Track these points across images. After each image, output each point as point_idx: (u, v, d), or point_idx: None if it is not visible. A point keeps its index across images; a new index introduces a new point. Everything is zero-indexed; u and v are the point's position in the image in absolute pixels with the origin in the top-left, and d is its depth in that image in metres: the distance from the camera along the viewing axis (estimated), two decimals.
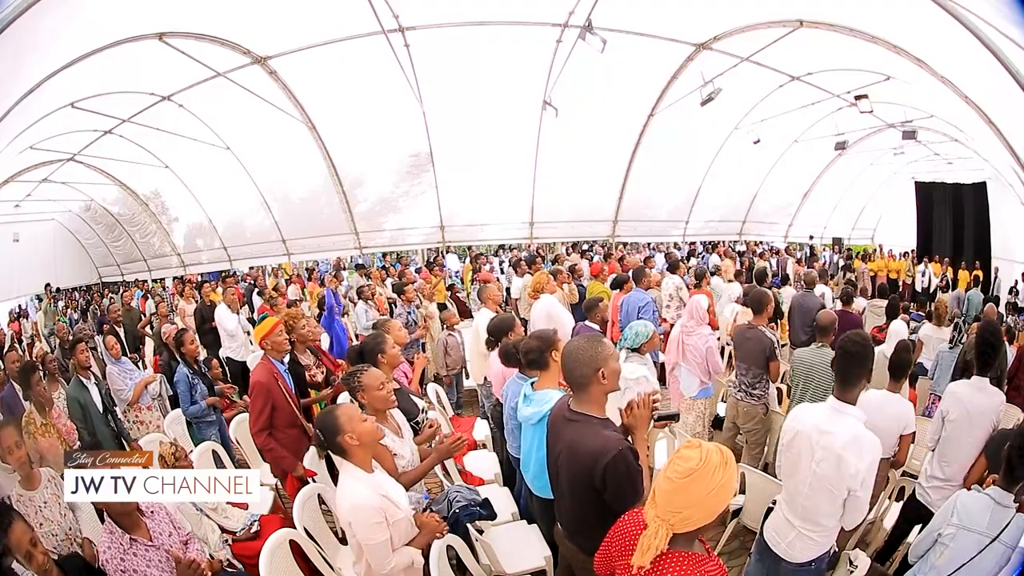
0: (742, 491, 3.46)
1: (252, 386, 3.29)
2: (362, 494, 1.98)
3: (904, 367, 3.28)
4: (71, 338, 5.39)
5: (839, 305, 5.88)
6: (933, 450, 3.01)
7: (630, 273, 6.12)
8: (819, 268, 10.02)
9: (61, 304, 11.12)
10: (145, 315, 8.65)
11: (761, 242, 13.93)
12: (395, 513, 2.04)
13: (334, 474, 3.49)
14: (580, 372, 1.95)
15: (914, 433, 3.20)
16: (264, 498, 3.75)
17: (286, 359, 3.64)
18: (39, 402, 3.76)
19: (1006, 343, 4.43)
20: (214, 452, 3.88)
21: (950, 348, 4.86)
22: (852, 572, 2.59)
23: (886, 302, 6.34)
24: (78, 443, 3.96)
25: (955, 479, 2.90)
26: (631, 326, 3.75)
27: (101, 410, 4.13)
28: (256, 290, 8.80)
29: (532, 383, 2.62)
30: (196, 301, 8.49)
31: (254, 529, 3.16)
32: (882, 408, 3.06)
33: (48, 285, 10.90)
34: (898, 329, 4.89)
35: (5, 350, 7.87)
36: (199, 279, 12.03)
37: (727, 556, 3.43)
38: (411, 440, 2.74)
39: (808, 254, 13.74)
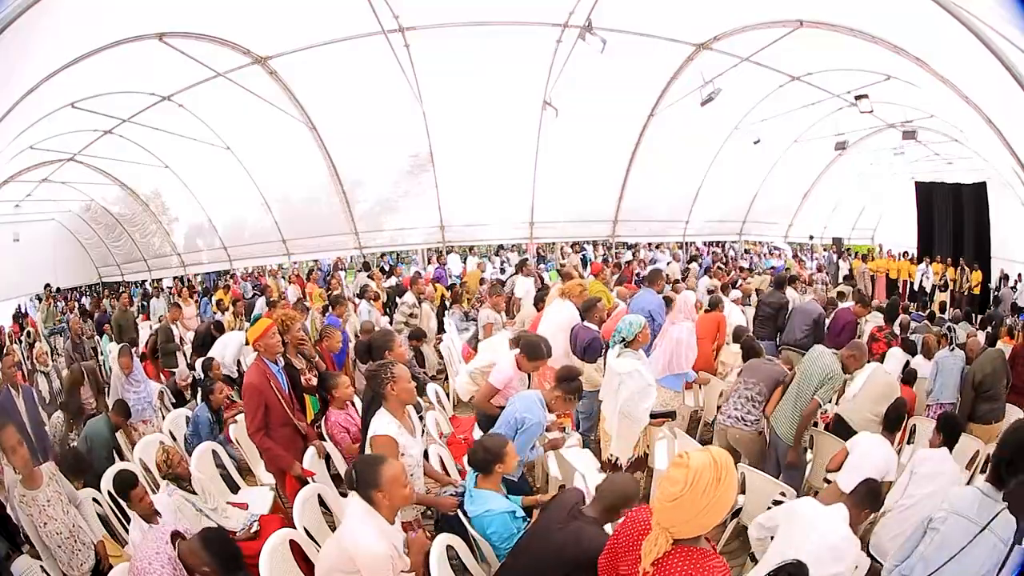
0: (742, 491, 3.46)
1: (244, 388, 3.31)
2: (377, 546, 2.00)
3: (899, 421, 3.41)
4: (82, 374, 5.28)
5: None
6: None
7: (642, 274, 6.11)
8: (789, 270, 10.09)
9: (61, 304, 11.11)
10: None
11: (758, 242, 13.91)
12: (399, 564, 2.09)
13: (333, 475, 3.54)
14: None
15: (892, 483, 3.16)
16: (264, 498, 3.77)
17: (281, 361, 3.63)
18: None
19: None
20: (214, 452, 3.90)
21: (950, 351, 4.83)
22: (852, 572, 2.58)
23: (884, 308, 6.36)
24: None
25: None
26: (624, 318, 3.81)
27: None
28: (266, 298, 8.69)
29: (477, 477, 2.66)
30: (196, 301, 8.48)
31: (254, 529, 3.17)
32: (870, 452, 3.11)
33: (48, 285, 10.89)
34: (896, 355, 4.79)
35: (3, 351, 7.87)
36: (199, 281, 12.01)
37: (728, 556, 3.43)
38: (421, 440, 2.82)
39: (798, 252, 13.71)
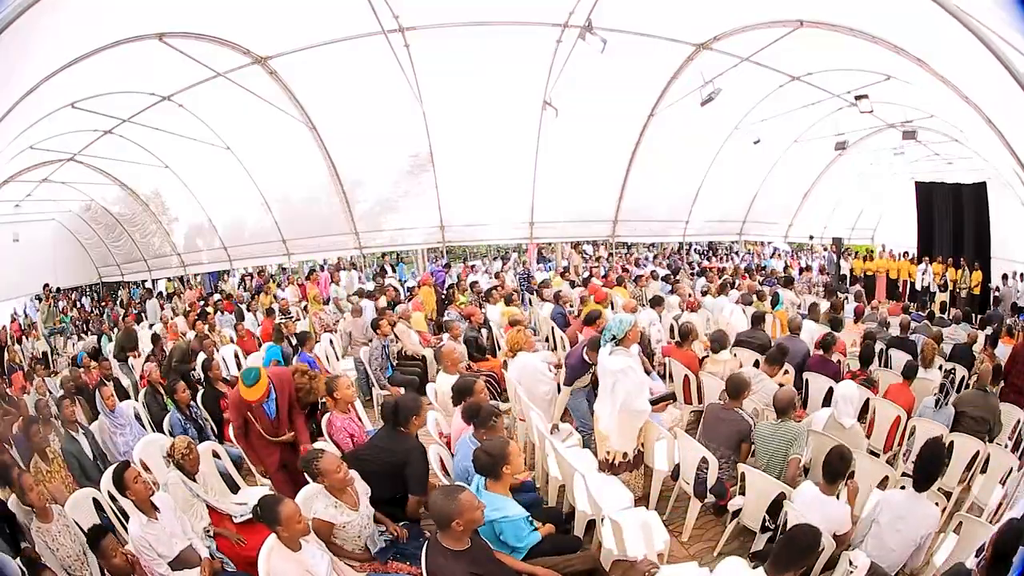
0: (742, 491, 3.46)
1: (229, 399, 3.74)
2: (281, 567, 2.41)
3: (841, 474, 2.99)
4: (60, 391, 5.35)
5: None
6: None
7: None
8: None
9: (61, 304, 11.11)
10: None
11: (759, 243, 13.88)
12: None
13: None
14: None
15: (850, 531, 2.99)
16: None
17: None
18: (41, 451, 3.91)
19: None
20: (214, 452, 3.94)
21: (935, 409, 4.48)
22: (852, 572, 2.58)
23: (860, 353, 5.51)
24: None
25: None
26: (614, 316, 3.85)
27: (92, 458, 4.29)
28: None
29: (486, 481, 2.79)
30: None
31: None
32: (816, 508, 2.94)
33: (47, 285, 10.89)
34: (849, 392, 4.10)
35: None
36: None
37: (728, 556, 3.42)
38: (366, 509, 2.96)
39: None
